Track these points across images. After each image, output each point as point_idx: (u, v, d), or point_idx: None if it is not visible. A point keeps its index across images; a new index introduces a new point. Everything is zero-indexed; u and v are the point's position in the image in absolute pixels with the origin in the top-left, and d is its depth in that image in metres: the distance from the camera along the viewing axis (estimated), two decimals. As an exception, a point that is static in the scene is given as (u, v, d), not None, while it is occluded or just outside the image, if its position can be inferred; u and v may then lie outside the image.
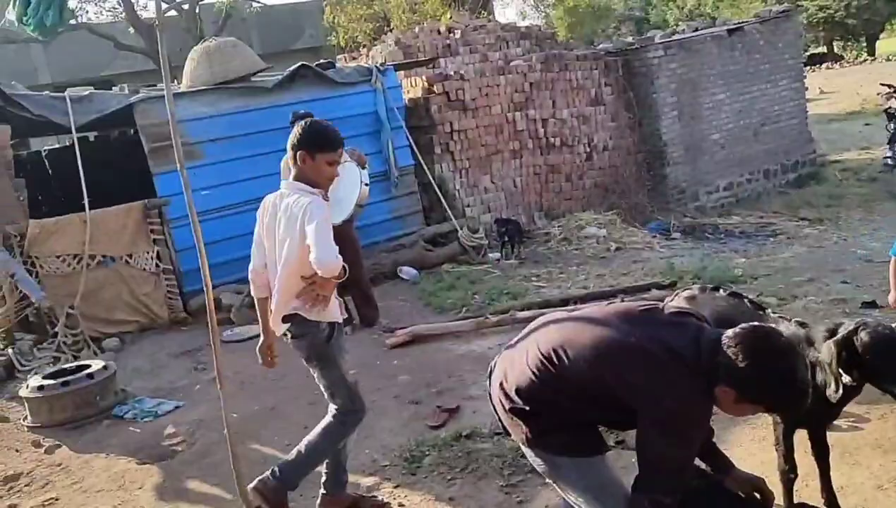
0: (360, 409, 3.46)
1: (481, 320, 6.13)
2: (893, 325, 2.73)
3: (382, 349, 6.03)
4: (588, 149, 10.27)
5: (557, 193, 9.94)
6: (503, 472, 3.79)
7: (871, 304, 5.37)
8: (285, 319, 3.32)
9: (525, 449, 2.32)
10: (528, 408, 2.20)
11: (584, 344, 2.12)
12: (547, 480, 2.37)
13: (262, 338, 3.54)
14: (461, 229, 8.50)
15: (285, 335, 3.43)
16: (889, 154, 11.10)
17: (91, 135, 8.15)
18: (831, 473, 3.23)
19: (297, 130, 3.17)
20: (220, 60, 7.80)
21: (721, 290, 3.25)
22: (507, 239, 8.52)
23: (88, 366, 5.44)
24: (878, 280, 6.29)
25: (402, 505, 3.66)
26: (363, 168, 6.12)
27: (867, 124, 15.81)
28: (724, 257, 7.96)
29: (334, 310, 3.41)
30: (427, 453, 4.14)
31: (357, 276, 6.50)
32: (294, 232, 3.14)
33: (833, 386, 2.61)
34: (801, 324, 2.95)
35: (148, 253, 7.26)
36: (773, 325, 2.43)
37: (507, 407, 2.26)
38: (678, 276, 6.68)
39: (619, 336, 2.07)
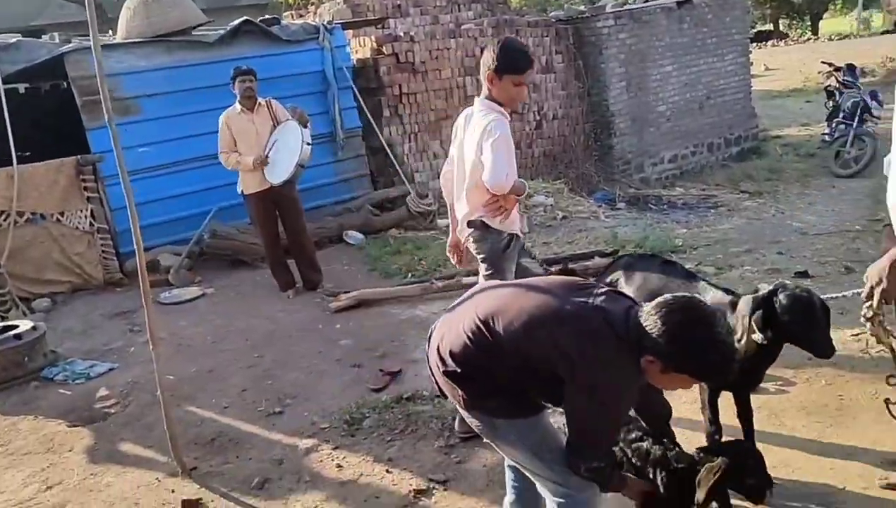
0: None
1: (427, 285, 6.11)
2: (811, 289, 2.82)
3: (325, 313, 5.97)
4: (538, 118, 10.27)
5: (506, 161, 9.89)
6: (443, 433, 3.80)
7: (804, 274, 5.54)
8: (470, 224, 3.62)
9: (462, 412, 2.32)
10: (461, 372, 2.20)
11: (520, 310, 2.11)
12: (485, 440, 2.38)
13: (449, 237, 3.90)
14: (409, 194, 8.42)
15: (469, 238, 3.69)
16: (827, 131, 11.38)
17: (22, 87, 7.74)
18: (760, 432, 3.35)
19: (489, 49, 3.33)
20: (158, 11, 7.49)
21: (656, 258, 3.32)
22: None
23: (16, 327, 5.25)
24: (811, 251, 6.50)
25: (341, 466, 3.65)
26: (305, 127, 5.98)
27: (808, 101, 16.20)
28: (666, 228, 8.09)
29: (515, 222, 3.68)
30: (367, 415, 4.12)
31: (300, 239, 6.40)
32: (477, 147, 3.39)
33: (743, 339, 2.69)
34: (728, 292, 3.03)
35: (81, 211, 7.00)
36: (697, 295, 2.47)
37: (441, 370, 2.26)
38: (621, 245, 6.77)
39: (554, 303, 2.07)
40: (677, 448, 2.43)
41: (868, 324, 2.60)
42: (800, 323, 2.68)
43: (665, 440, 2.44)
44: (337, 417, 4.15)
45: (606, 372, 1.96)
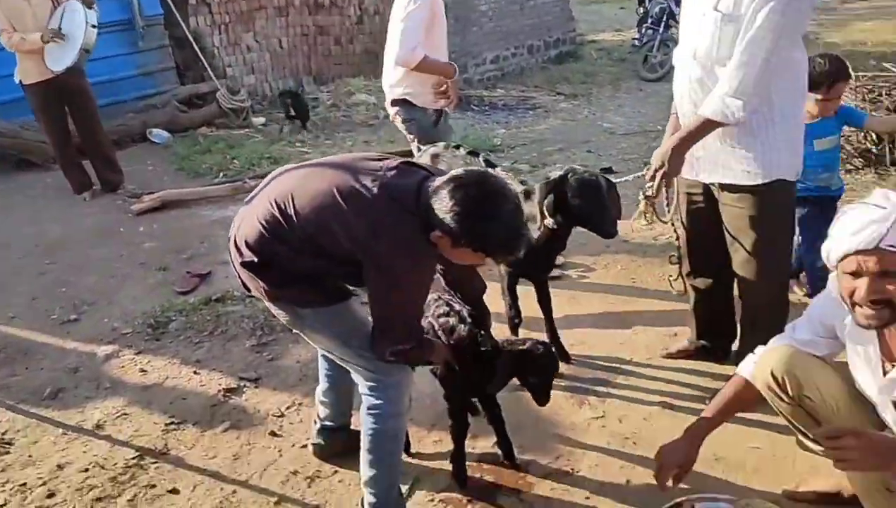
0: None
1: (238, 184, 5.82)
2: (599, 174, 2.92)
3: (128, 215, 5.55)
4: (359, 12, 9.88)
5: (326, 57, 9.52)
6: (255, 333, 3.70)
7: (608, 170, 5.84)
8: (394, 103, 3.79)
9: (267, 304, 2.22)
10: (259, 262, 2.08)
11: (311, 192, 2.01)
12: (294, 331, 2.30)
13: None
14: (220, 90, 7.88)
15: (397, 117, 3.87)
16: (637, 36, 11.93)
17: None
18: (562, 316, 3.55)
19: None
20: None
21: (461, 149, 3.31)
22: (293, 112, 8.02)
23: None
24: (617, 150, 6.88)
25: (145, 371, 3.45)
26: (90, 7, 5.32)
27: (622, 8, 16.90)
28: (486, 128, 8.21)
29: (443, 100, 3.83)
30: (173, 318, 3.92)
31: (94, 136, 5.83)
32: (395, 23, 3.63)
33: (539, 220, 2.79)
34: (523, 182, 3.10)
35: None
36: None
37: (240, 261, 2.13)
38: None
39: (345, 182, 1.98)
40: (483, 331, 2.45)
41: (643, 202, 2.81)
42: (587, 206, 2.76)
43: (476, 318, 2.46)
44: (140, 322, 3.90)
45: (399, 251, 1.92)
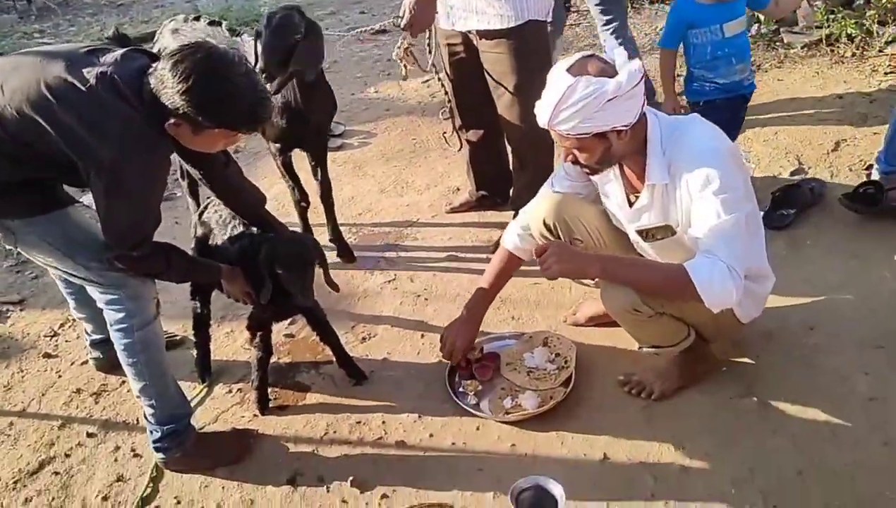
0: None
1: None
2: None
3: None
4: None
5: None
6: (11, 253, 3.29)
7: (382, 32, 5.67)
8: None
9: None
10: None
11: (15, 82, 1.72)
12: (7, 246, 2.03)
13: None
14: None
15: None
16: None
17: None
18: (342, 185, 3.50)
19: None
20: None
21: (201, 20, 3.00)
22: None
23: None
24: (390, 9, 6.68)
25: None
26: None
27: None
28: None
29: None
30: None
31: None
32: None
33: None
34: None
35: None
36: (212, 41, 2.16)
37: None
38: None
39: (54, 72, 1.70)
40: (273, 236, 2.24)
41: (400, 51, 2.82)
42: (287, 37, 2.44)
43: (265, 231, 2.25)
44: None
45: (119, 150, 1.70)
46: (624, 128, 1.83)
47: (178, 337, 2.67)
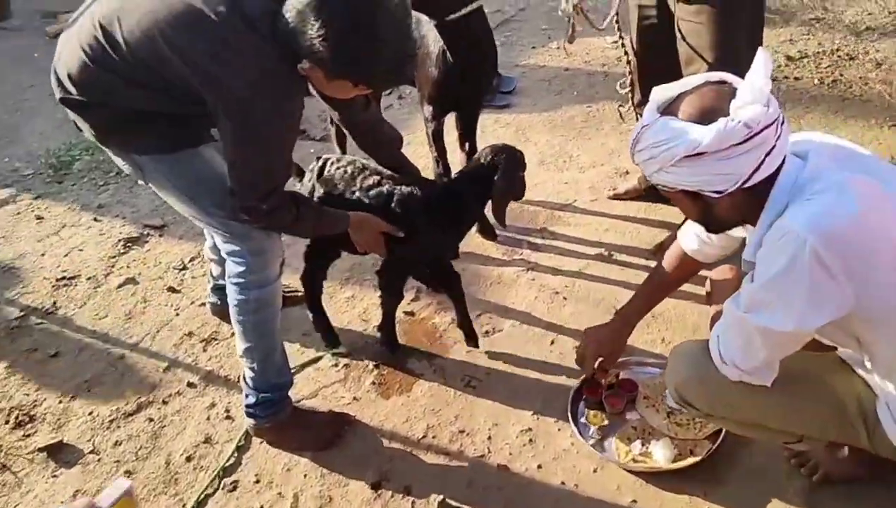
0: None
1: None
2: None
3: (44, 39, 4.96)
4: None
5: None
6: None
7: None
8: None
9: (106, 150, 1.84)
10: (80, 96, 1.67)
11: (142, 7, 1.58)
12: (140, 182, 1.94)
13: None
14: None
15: None
16: None
17: None
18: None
19: None
20: None
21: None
22: None
23: None
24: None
25: (41, 218, 3.13)
26: None
27: None
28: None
29: None
30: (78, 157, 3.55)
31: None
32: None
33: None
34: None
35: None
36: None
37: (60, 97, 1.72)
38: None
39: (182, 2, 1.54)
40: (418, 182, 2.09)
41: (570, 7, 2.40)
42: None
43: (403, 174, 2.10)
44: (43, 161, 3.52)
45: (253, 85, 1.53)
46: (716, 195, 1.35)
47: (299, 294, 2.51)
